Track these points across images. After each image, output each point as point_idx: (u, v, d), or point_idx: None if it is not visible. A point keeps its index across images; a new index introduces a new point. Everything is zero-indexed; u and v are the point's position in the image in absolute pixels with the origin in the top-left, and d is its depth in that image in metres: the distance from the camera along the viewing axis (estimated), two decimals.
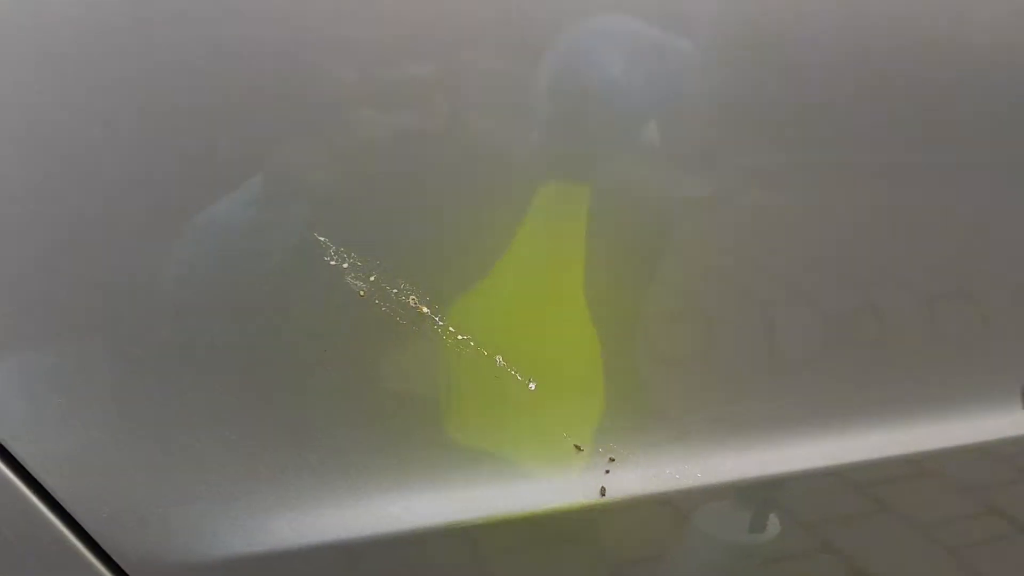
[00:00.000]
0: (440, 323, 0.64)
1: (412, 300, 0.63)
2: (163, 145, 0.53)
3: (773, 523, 0.83)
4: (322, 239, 0.59)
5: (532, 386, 0.69)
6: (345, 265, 0.60)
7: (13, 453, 0.55)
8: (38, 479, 0.55)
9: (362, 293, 0.61)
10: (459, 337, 0.65)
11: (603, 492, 0.72)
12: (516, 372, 0.68)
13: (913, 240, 0.76)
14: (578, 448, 0.72)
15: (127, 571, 0.58)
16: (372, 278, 0.61)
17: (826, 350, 0.78)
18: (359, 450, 0.65)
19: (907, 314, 0.80)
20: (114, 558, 0.58)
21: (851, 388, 0.81)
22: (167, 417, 0.59)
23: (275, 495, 0.63)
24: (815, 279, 0.75)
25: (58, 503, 0.56)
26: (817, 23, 0.64)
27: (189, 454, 0.60)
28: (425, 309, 0.63)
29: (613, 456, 0.73)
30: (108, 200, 0.53)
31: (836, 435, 0.81)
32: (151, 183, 0.54)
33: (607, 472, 0.73)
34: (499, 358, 0.67)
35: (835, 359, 0.79)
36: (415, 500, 0.67)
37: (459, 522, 0.68)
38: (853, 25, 0.64)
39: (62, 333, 0.55)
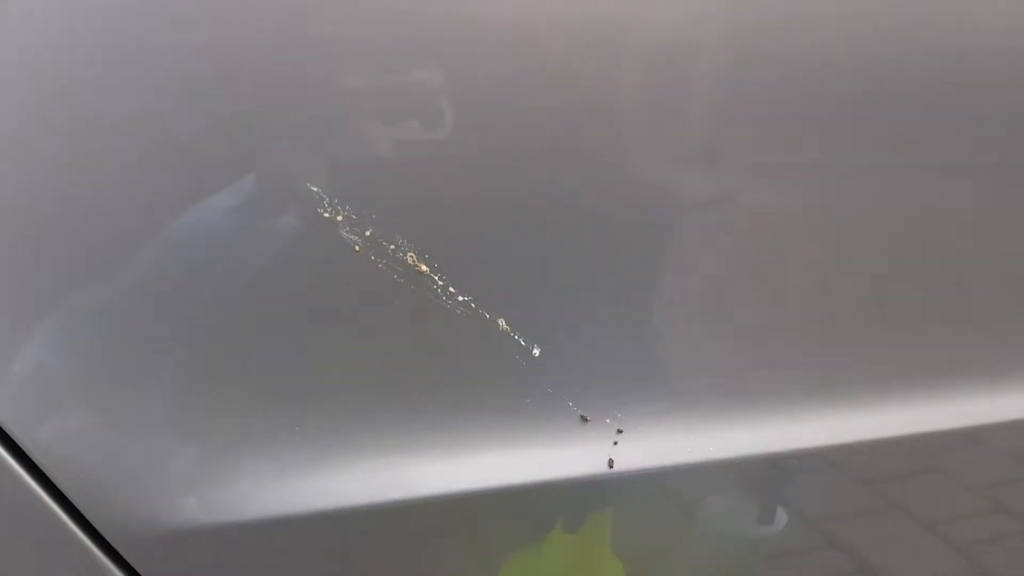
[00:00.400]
0: (440, 282, 0.61)
1: (410, 257, 0.60)
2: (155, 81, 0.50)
3: (784, 502, 0.80)
4: (315, 189, 0.56)
5: (536, 352, 0.66)
6: (339, 218, 0.57)
7: None
8: (12, 437, 0.52)
9: (357, 248, 0.58)
10: (460, 298, 0.62)
11: (611, 464, 0.69)
12: (520, 336, 0.65)
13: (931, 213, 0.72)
14: (584, 419, 0.69)
15: (106, 536, 0.55)
16: (368, 233, 0.58)
17: (842, 323, 0.74)
18: (354, 415, 0.62)
19: (920, 288, 0.76)
20: (93, 523, 0.55)
21: (867, 363, 0.78)
22: (151, 377, 0.56)
23: (265, 461, 0.60)
24: (829, 251, 0.72)
25: (34, 463, 0.53)
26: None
27: (174, 417, 0.57)
28: (424, 267, 0.60)
29: (621, 428, 0.70)
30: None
31: (852, 411, 0.78)
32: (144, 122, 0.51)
33: (615, 444, 0.70)
34: (502, 321, 0.64)
35: (851, 333, 0.75)
36: (411, 469, 0.63)
37: (460, 492, 0.64)
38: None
39: (41, 288, 0.52)
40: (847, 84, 0.63)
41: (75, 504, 0.54)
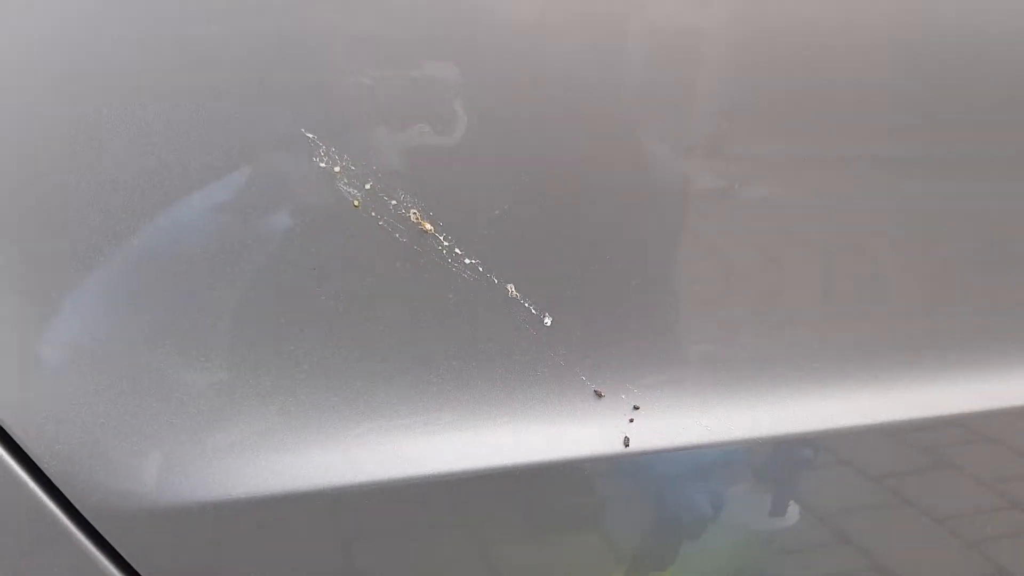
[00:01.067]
0: (445, 243, 0.57)
1: (413, 215, 0.55)
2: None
3: (800, 484, 0.75)
4: (310, 136, 0.51)
5: (548, 321, 0.61)
6: (337, 169, 0.53)
7: None
8: None
9: (356, 203, 0.54)
10: (466, 261, 0.58)
11: (627, 442, 0.64)
12: (530, 305, 0.61)
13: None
14: (599, 394, 0.65)
15: (85, 515, 0.51)
16: (368, 186, 0.54)
17: (862, 305, 0.70)
18: (352, 386, 0.57)
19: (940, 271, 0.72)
20: (72, 501, 0.50)
21: (889, 345, 0.73)
22: (136, 345, 0.52)
23: (259, 434, 0.55)
24: (847, 233, 0.67)
25: (10, 437, 0.49)
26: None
27: (158, 388, 0.53)
28: (428, 226, 0.56)
29: (638, 404, 0.66)
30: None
31: (880, 390, 0.74)
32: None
33: (631, 421, 0.65)
34: (511, 287, 0.60)
35: (872, 316, 0.71)
36: (417, 443, 0.59)
37: (467, 470, 0.60)
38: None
39: (28, 257, 0.48)
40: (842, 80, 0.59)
41: (54, 481, 0.50)
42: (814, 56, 0.59)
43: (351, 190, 0.53)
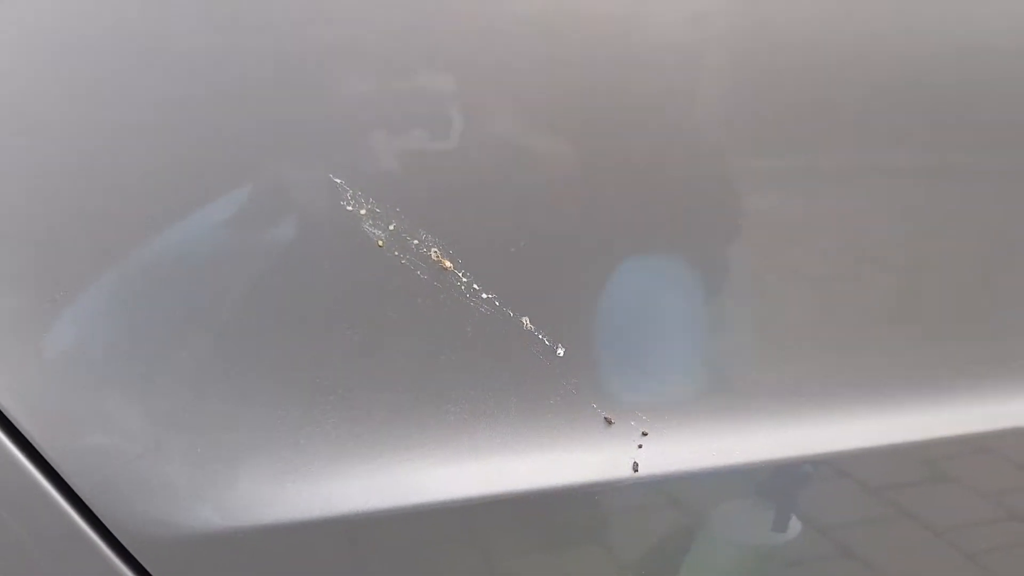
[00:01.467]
0: (464, 279, 0.59)
1: (434, 253, 0.58)
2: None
3: (802, 507, 0.78)
4: (338, 181, 0.54)
5: (560, 352, 0.64)
6: (363, 212, 0.55)
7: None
8: (25, 434, 0.50)
9: (380, 243, 0.57)
10: (484, 295, 0.60)
11: (636, 468, 0.67)
12: (544, 336, 0.63)
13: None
14: (608, 421, 0.67)
15: (122, 541, 0.53)
16: (391, 227, 0.56)
17: (867, 327, 0.73)
18: (374, 416, 0.60)
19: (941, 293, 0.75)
20: (108, 526, 0.53)
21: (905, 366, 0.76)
22: (171, 374, 0.54)
23: (286, 463, 0.58)
24: (852, 256, 0.70)
25: (46, 461, 0.51)
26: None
27: (195, 415, 0.55)
28: (448, 263, 0.59)
29: (646, 430, 0.68)
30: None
31: (886, 414, 0.76)
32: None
33: (639, 447, 0.68)
34: (526, 320, 0.62)
35: (885, 335, 0.74)
36: (436, 471, 0.62)
37: (482, 496, 0.63)
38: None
39: (59, 273, 0.51)
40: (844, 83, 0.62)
41: (90, 507, 0.53)
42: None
43: (375, 231, 0.56)
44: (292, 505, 0.58)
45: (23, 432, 0.51)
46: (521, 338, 0.63)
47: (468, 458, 0.63)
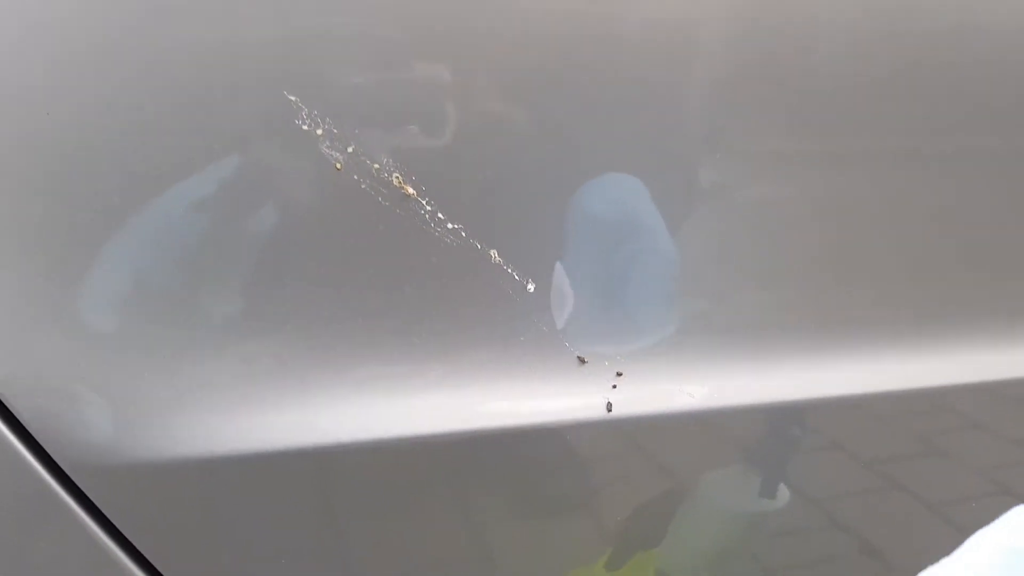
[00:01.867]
0: (428, 207, 0.57)
1: (396, 179, 0.56)
2: None
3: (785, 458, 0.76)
4: (293, 99, 0.52)
5: (531, 287, 0.62)
6: (319, 132, 0.53)
7: None
8: None
9: (338, 166, 0.54)
10: (449, 225, 0.58)
11: (609, 408, 0.65)
12: (513, 271, 0.61)
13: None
14: (581, 360, 0.65)
15: (64, 468, 0.51)
16: (350, 149, 0.54)
17: (854, 266, 0.71)
18: (335, 347, 0.58)
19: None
20: (50, 453, 0.51)
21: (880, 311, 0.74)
22: (115, 299, 0.52)
23: (239, 392, 0.56)
24: (839, 191, 0.68)
25: None
26: None
27: (140, 339, 0.53)
28: (411, 190, 0.56)
29: (620, 371, 0.66)
30: None
31: (863, 361, 0.74)
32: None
33: (614, 387, 0.66)
34: (494, 253, 0.60)
35: (864, 277, 0.71)
36: (401, 406, 0.60)
37: (448, 432, 0.61)
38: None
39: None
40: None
41: (32, 433, 0.51)
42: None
43: (334, 153, 0.54)
44: (254, 436, 0.56)
45: None
46: (490, 272, 0.60)
47: (435, 393, 0.61)
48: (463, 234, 0.58)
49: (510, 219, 0.59)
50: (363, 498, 0.60)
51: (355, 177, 0.54)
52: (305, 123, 0.52)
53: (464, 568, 0.68)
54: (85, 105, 0.48)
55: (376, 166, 0.55)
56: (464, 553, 0.68)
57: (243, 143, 0.52)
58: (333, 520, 0.60)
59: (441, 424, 0.60)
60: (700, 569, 0.81)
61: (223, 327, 0.55)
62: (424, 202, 0.57)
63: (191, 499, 0.56)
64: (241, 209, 0.53)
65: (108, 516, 0.54)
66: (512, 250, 0.60)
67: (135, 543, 0.56)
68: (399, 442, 0.59)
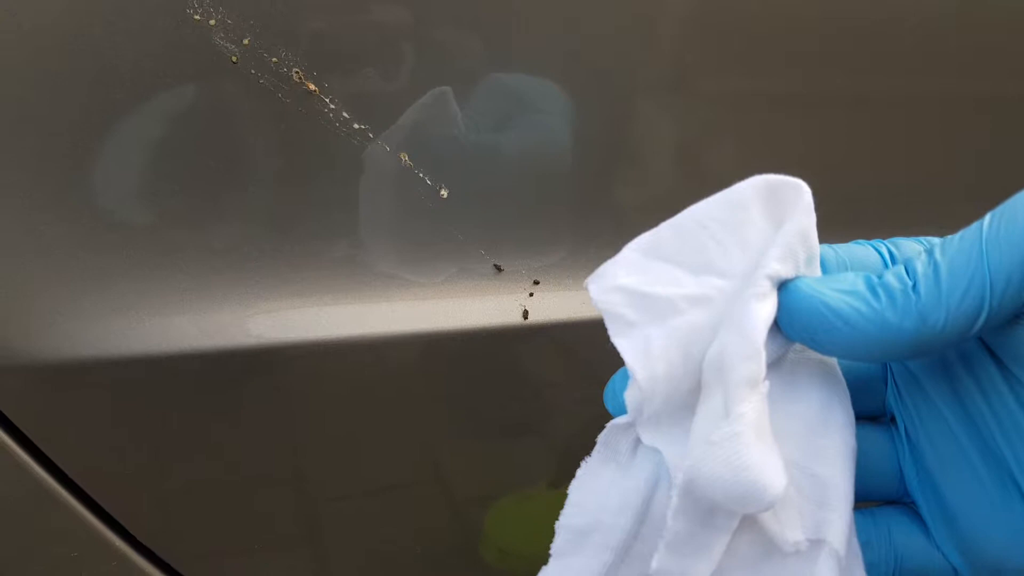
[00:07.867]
0: (332, 106, 0.56)
1: (296, 74, 0.54)
2: None
3: None
4: None
5: (444, 193, 0.61)
6: (212, 23, 0.51)
7: None
8: None
9: (234, 59, 0.53)
10: (355, 125, 0.57)
11: (525, 315, 0.65)
12: (425, 175, 0.60)
13: None
14: (498, 268, 0.65)
15: None
16: (245, 41, 0.52)
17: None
18: (241, 250, 0.57)
19: None
20: None
21: None
22: (9, 194, 0.51)
23: (136, 294, 0.55)
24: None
25: None
26: None
27: (38, 238, 0.52)
28: (312, 86, 0.55)
29: (537, 279, 0.66)
30: None
31: None
32: None
33: (531, 295, 0.66)
34: (404, 156, 0.59)
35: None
36: (311, 311, 0.59)
37: (361, 337, 0.60)
38: None
39: None
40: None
41: None
42: None
43: (229, 45, 0.52)
44: (148, 338, 0.55)
45: None
46: (400, 176, 0.60)
47: (346, 300, 0.61)
48: (370, 135, 0.58)
49: (419, 121, 0.58)
50: (263, 403, 0.60)
51: (253, 72, 0.53)
52: (197, 12, 0.51)
53: (403, 492, 0.69)
54: None
55: (275, 60, 0.53)
56: (398, 474, 0.68)
57: (131, 35, 0.50)
58: (237, 423, 0.60)
59: (354, 329, 0.60)
60: None
61: (118, 226, 0.53)
62: (327, 100, 0.56)
63: (85, 401, 0.55)
64: (131, 104, 0.51)
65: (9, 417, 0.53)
66: (424, 155, 0.59)
67: (43, 448, 0.56)
68: (308, 347, 0.59)
